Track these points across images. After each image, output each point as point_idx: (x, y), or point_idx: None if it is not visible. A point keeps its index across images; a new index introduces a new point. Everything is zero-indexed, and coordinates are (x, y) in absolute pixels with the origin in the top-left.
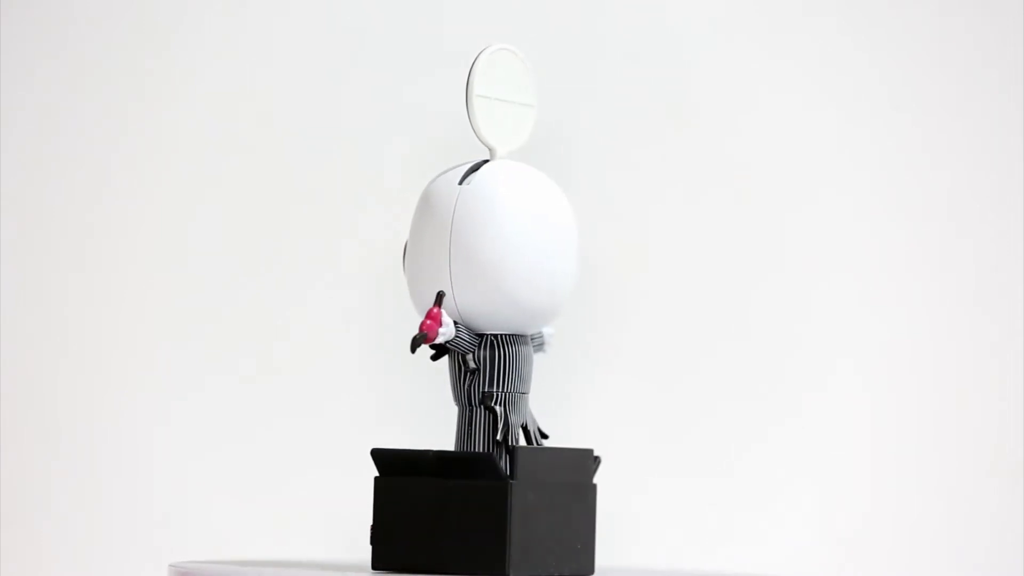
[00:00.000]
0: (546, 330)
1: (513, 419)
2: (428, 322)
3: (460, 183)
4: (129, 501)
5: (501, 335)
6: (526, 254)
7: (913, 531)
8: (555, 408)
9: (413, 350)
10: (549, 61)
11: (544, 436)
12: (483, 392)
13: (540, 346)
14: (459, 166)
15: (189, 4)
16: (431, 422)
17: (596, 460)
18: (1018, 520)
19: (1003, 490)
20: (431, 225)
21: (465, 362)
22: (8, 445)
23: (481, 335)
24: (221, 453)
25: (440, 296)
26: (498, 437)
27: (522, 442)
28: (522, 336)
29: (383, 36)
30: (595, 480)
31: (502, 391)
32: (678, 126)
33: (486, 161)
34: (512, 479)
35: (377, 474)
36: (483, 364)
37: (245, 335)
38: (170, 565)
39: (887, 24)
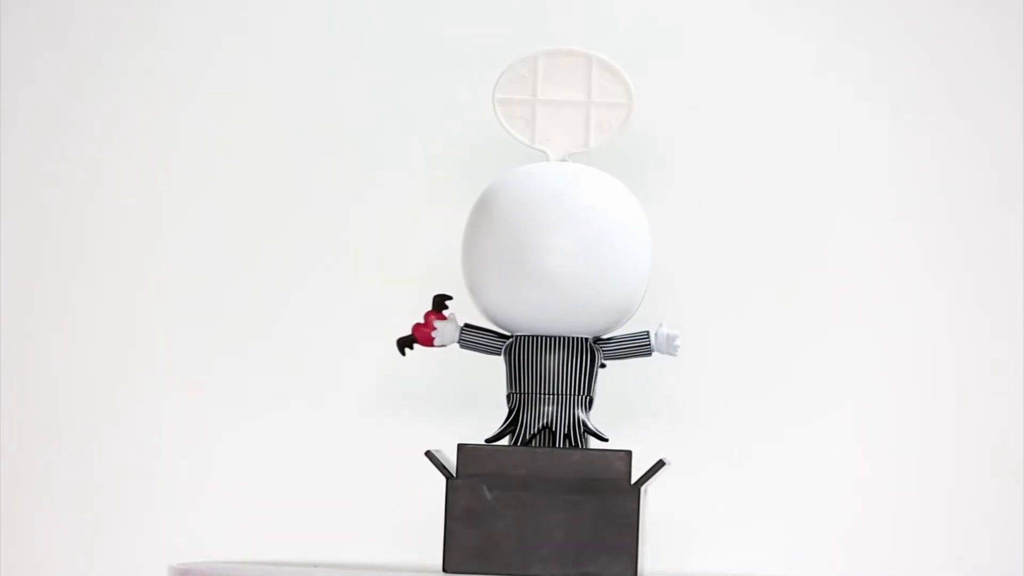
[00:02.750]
0: (663, 330)
1: (528, 420)
2: (418, 325)
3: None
4: (129, 500)
5: (522, 336)
6: (512, 257)
7: (914, 532)
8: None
9: (401, 351)
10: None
11: (601, 439)
12: (507, 393)
13: (637, 346)
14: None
15: (189, 2)
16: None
17: (658, 464)
18: (1018, 520)
19: (1003, 490)
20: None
21: None
22: (8, 444)
23: (509, 336)
24: (222, 452)
25: (437, 300)
26: (487, 436)
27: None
28: (556, 338)
29: (385, 36)
30: (640, 484)
31: (518, 392)
32: (678, 127)
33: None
34: (454, 477)
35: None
36: (507, 365)
37: (246, 334)
38: (170, 566)
39: (891, 24)
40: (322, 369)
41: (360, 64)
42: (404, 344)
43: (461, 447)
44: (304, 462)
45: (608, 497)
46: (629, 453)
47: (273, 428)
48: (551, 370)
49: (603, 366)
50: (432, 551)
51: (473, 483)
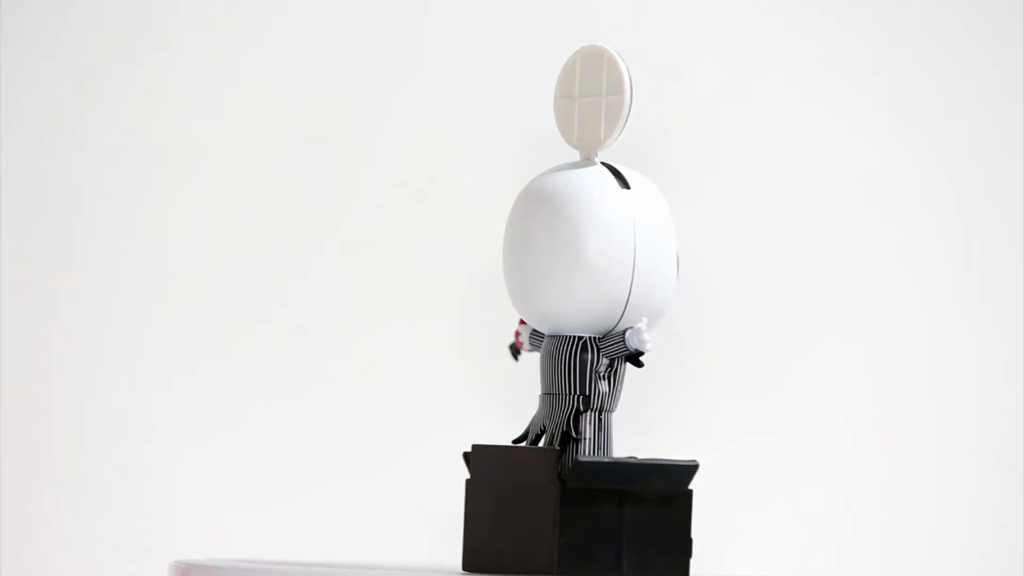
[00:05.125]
0: (637, 324)
1: (536, 419)
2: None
3: None
4: (130, 497)
5: (544, 337)
6: (513, 257)
7: (916, 534)
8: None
9: (514, 357)
10: (548, 62)
11: (573, 438)
12: None
13: (618, 342)
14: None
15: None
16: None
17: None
18: (1018, 520)
19: (1004, 490)
20: None
21: None
22: (7, 443)
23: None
24: (225, 449)
25: None
26: (514, 438)
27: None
28: (554, 337)
29: (386, 35)
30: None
31: (540, 392)
32: (673, 127)
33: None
34: (470, 477)
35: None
36: None
37: (248, 330)
38: (171, 563)
39: (892, 23)
40: (326, 367)
41: (362, 64)
42: (515, 351)
43: (474, 447)
44: (309, 460)
45: (539, 496)
46: (555, 451)
47: (277, 425)
48: (550, 370)
49: (640, 365)
50: (445, 551)
51: (479, 483)
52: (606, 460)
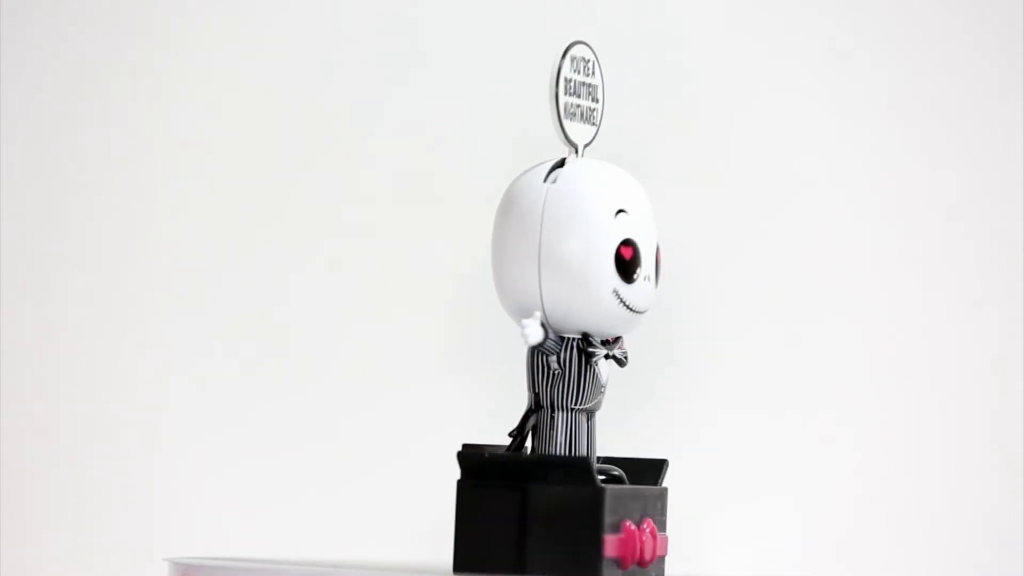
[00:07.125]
0: (525, 319)
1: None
2: None
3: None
4: (129, 495)
5: None
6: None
7: (917, 535)
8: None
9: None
10: (547, 62)
11: (510, 434)
12: None
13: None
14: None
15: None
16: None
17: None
18: (1018, 520)
19: (1004, 490)
20: None
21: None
22: (7, 441)
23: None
24: (225, 448)
25: None
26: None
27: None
28: None
29: (384, 34)
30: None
31: None
32: (671, 125)
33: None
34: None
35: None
36: None
37: (248, 329)
38: (170, 561)
39: (889, 23)
40: (325, 367)
41: (362, 63)
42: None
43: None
44: (309, 460)
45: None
46: (461, 448)
47: (277, 425)
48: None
49: (620, 364)
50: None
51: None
52: (486, 456)
